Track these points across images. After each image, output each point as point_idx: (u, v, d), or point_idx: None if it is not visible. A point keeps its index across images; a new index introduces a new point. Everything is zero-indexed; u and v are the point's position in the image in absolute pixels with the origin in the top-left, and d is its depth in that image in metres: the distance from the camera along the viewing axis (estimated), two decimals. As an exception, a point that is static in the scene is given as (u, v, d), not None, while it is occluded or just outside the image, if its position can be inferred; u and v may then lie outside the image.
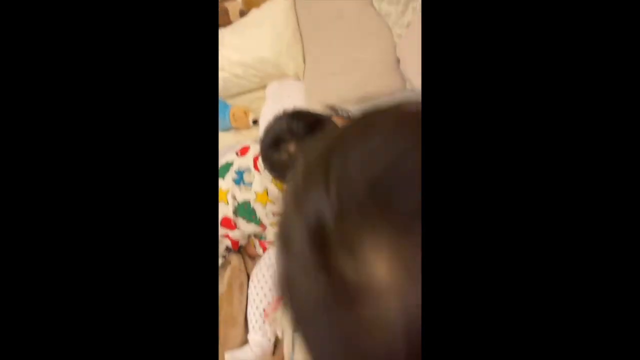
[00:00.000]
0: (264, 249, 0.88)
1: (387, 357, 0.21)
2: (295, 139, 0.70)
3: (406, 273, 0.20)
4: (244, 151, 0.86)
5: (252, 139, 1.28)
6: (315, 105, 1.27)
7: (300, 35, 1.44)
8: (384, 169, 0.21)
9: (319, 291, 0.21)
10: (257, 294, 0.79)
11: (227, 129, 1.43)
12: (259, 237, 0.89)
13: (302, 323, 0.24)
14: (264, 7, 1.54)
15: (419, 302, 0.20)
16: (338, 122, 1.07)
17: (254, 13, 1.56)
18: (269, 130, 0.74)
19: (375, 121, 0.27)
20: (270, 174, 0.78)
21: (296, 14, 1.49)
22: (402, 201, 0.21)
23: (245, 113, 1.39)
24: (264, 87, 1.49)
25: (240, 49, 1.41)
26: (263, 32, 1.42)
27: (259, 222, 0.82)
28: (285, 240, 0.23)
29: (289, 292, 0.24)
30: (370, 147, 0.22)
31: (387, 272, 0.19)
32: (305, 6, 1.49)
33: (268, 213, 0.83)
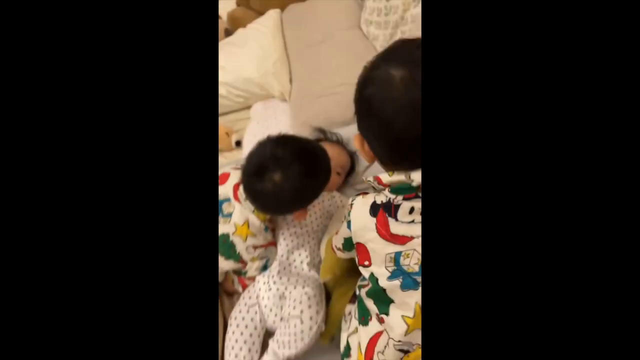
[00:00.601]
0: (244, 287, 0.80)
1: None
2: (280, 168, 0.64)
3: None
4: (223, 178, 0.78)
5: (235, 161, 1.21)
6: (302, 127, 1.23)
7: (287, 56, 1.41)
8: None
9: None
10: (237, 341, 0.70)
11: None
12: (238, 273, 0.81)
13: None
14: (251, 27, 1.51)
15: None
16: (327, 147, 1.02)
17: (240, 33, 1.53)
18: (251, 157, 0.69)
19: None
20: (252, 204, 0.72)
21: (283, 35, 1.47)
22: None
23: (228, 134, 1.34)
24: (248, 107, 1.45)
25: (224, 68, 1.36)
26: (249, 52, 1.38)
27: (238, 259, 0.75)
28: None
29: None
30: None
31: None
32: (293, 27, 1.47)
33: (249, 247, 0.75)
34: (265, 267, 0.77)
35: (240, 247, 0.74)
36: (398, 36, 1.25)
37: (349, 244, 0.61)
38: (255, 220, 0.75)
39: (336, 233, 0.66)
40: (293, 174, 0.65)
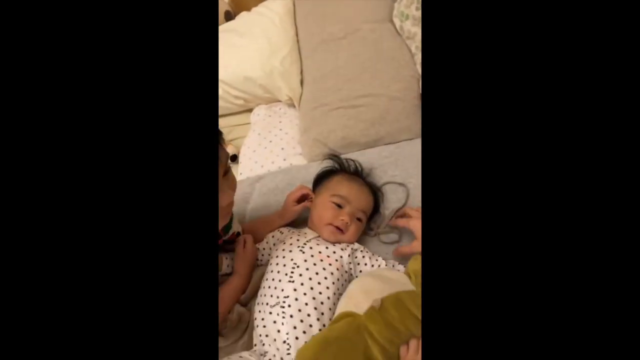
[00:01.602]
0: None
1: None
2: None
3: None
4: None
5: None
6: (312, 145, 0.99)
7: (299, 51, 1.15)
8: None
9: None
10: None
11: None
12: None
13: None
14: (257, 10, 1.25)
15: None
16: (342, 182, 0.78)
17: (243, 17, 1.27)
18: None
19: None
20: None
21: (296, 25, 1.20)
22: None
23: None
24: (249, 110, 1.20)
25: (221, 62, 1.11)
26: (253, 44, 1.12)
27: None
28: None
29: None
30: None
31: None
32: (308, 16, 1.19)
33: None
34: None
35: None
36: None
37: None
38: None
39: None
40: None
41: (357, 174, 0.84)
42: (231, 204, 0.62)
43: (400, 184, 0.84)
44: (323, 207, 0.74)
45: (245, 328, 0.73)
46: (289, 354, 0.58)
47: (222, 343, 0.70)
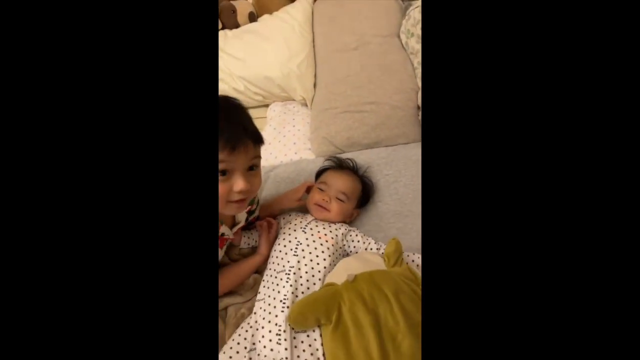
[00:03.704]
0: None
1: None
2: None
3: None
4: None
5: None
6: (321, 142, 1.14)
7: (315, 58, 1.29)
8: None
9: None
10: None
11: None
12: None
13: None
14: (278, 15, 1.38)
15: None
16: (332, 174, 0.94)
17: (266, 20, 1.39)
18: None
19: None
20: None
21: (313, 32, 1.34)
22: None
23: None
24: (266, 105, 1.34)
25: (245, 62, 1.25)
26: (274, 48, 1.26)
27: None
28: None
29: None
30: None
31: None
32: (324, 24, 1.33)
33: None
34: None
35: None
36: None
37: None
38: None
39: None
40: None
41: (349, 168, 0.99)
42: (253, 190, 0.72)
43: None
44: (312, 192, 0.92)
45: (255, 294, 0.89)
46: (282, 310, 0.73)
47: (240, 300, 0.86)
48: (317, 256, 0.80)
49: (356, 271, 0.70)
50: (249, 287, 0.88)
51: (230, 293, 0.87)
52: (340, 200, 0.89)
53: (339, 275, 0.71)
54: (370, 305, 0.63)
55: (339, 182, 0.91)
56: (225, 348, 0.73)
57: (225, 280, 0.83)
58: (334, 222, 0.89)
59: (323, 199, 0.89)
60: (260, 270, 0.90)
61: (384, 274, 0.68)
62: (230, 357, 0.71)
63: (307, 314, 0.66)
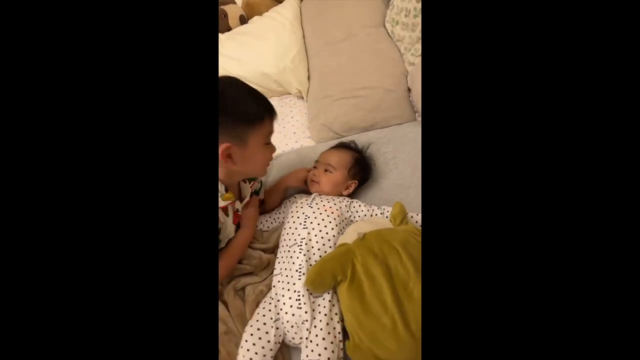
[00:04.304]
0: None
1: None
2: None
3: None
4: None
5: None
6: (320, 129, 1.20)
7: (306, 52, 1.35)
8: None
9: None
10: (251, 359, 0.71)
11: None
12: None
13: None
14: (268, 15, 1.45)
15: None
16: (329, 151, 1.00)
17: (257, 22, 1.46)
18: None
19: None
20: None
21: (302, 28, 1.40)
22: None
23: (242, 130, 1.30)
24: (262, 101, 1.40)
25: (240, 61, 1.31)
26: (267, 46, 1.32)
27: None
28: None
29: None
30: None
31: None
32: (312, 20, 1.40)
33: None
34: None
35: None
36: (424, 39, 1.20)
37: None
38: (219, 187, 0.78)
39: None
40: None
41: (348, 147, 1.04)
42: (267, 163, 0.84)
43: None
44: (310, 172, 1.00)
45: (272, 270, 0.94)
46: (299, 278, 0.78)
47: (257, 279, 0.90)
48: (325, 226, 0.85)
49: (365, 231, 0.75)
50: (263, 267, 0.93)
51: (247, 274, 0.91)
52: (328, 171, 0.96)
53: (350, 236, 0.77)
54: (381, 258, 0.68)
55: (327, 156, 0.99)
56: (252, 322, 0.77)
57: (224, 261, 0.86)
58: (337, 196, 0.95)
59: (314, 174, 0.97)
60: (272, 250, 0.95)
61: (391, 230, 0.73)
62: (259, 329, 0.75)
63: (324, 273, 0.71)
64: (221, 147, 0.72)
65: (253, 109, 0.75)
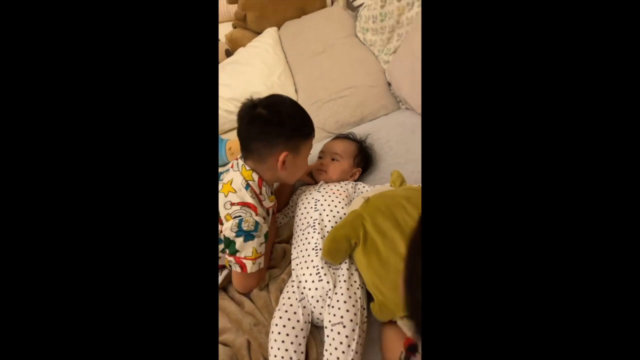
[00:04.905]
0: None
1: None
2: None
3: None
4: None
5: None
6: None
7: (290, 68, 1.47)
8: None
9: None
10: (283, 342, 0.73)
11: (223, 165, 1.40)
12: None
13: None
14: (251, 45, 1.58)
15: None
16: (330, 142, 1.07)
17: (242, 52, 1.59)
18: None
19: None
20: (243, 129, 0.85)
21: (284, 50, 1.54)
22: None
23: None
24: (256, 121, 1.50)
25: (231, 86, 1.42)
26: (253, 69, 1.44)
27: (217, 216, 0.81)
28: None
29: None
30: None
31: None
32: (291, 42, 1.55)
33: (226, 203, 0.81)
34: (239, 227, 0.79)
35: (220, 202, 0.81)
36: (395, 39, 1.33)
37: None
38: (238, 177, 0.83)
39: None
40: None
41: (347, 138, 1.12)
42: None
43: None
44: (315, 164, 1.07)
45: (289, 261, 0.97)
46: (317, 254, 0.82)
47: (277, 272, 0.93)
48: (336, 206, 0.91)
49: (369, 196, 0.81)
50: (281, 258, 0.97)
51: (268, 268, 0.95)
52: (335, 160, 1.03)
53: (356, 204, 0.82)
54: (387, 214, 0.73)
55: (332, 146, 1.06)
56: (279, 306, 0.80)
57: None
58: (343, 181, 1.01)
59: (321, 163, 1.03)
60: (288, 240, 0.99)
61: (392, 190, 0.79)
62: (286, 311, 0.78)
63: (338, 239, 0.75)
64: (282, 155, 0.81)
65: (307, 124, 0.86)
